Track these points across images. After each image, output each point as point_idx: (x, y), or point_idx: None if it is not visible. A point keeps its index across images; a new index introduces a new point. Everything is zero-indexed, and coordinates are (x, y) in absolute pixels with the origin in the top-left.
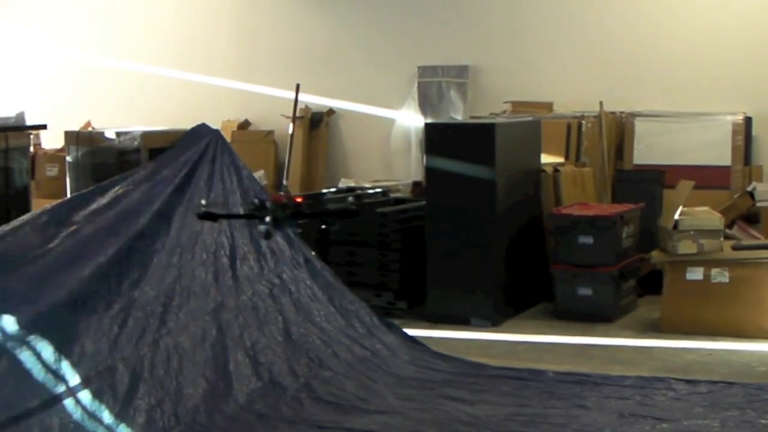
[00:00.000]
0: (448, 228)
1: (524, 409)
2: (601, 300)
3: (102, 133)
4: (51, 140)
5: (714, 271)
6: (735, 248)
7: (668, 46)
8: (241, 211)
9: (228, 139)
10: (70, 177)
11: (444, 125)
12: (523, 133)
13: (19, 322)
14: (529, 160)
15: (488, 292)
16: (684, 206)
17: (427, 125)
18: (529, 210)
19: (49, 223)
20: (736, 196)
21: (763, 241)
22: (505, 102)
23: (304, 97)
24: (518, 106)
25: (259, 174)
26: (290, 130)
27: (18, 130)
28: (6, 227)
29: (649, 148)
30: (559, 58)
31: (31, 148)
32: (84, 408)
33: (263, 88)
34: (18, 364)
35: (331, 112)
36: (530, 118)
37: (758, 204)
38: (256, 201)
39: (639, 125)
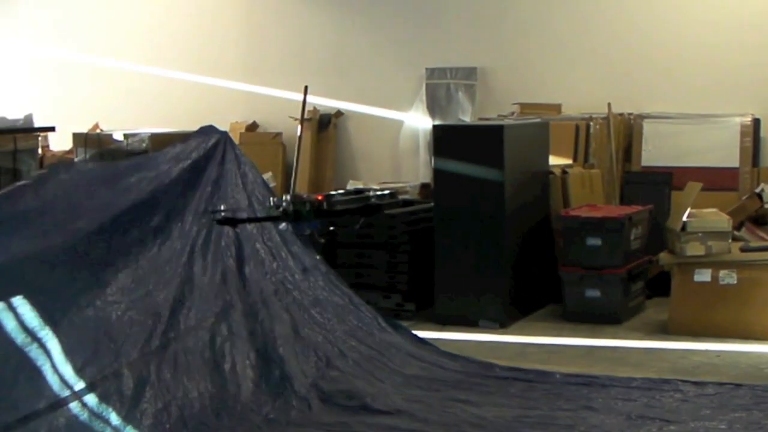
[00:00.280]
0: (457, 230)
1: (532, 410)
2: (609, 302)
3: (110, 135)
4: (59, 142)
5: (722, 273)
6: (743, 250)
7: (676, 48)
8: (259, 214)
9: (236, 140)
10: None
11: (452, 127)
12: (531, 134)
13: (24, 324)
14: (537, 162)
15: (496, 294)
16: (692, 208)
17: (435, 127)
18: (538, 212)
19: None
20: (744, 197)
21: None
22: (514, 104)
23: (312, 99)
24: (526, 107)
25: (266, 176)
26: (298, 132)
27: (26, 132)
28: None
29: (658, 150)
30: (567, 59)
31: (40, 150)
32: (91, 410)
33: (271, 89)
34: (26, 365)
35: (339, 113)
36: (539, 120)
37: (766, 206)
38: (273, 200)
39: (647, 127)
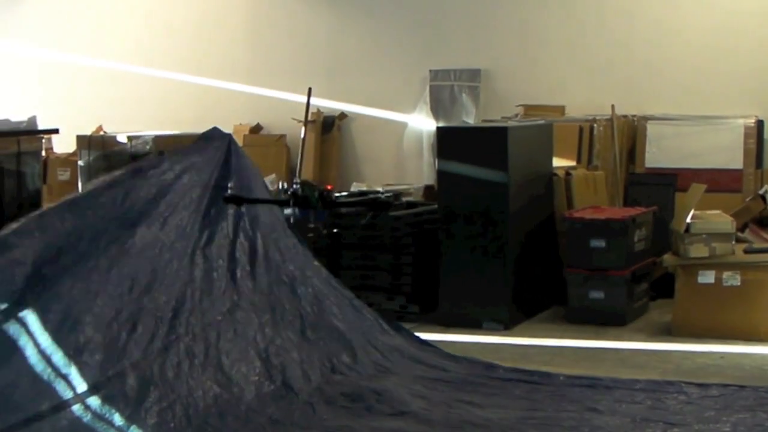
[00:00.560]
0: (461, 231)
1: (536, 412)
2: (613, 303)
3: (114, 137)
4: (63, 144)
5: (726, 275)
6: (747, 251)
7: (680, 50)
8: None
9: (240, 142)
10: (82, 181)
11: (456, 129)
12: (535, 136)
13: (27, 327)
14: (541, 164)
15: (500, 296)
16: (696, 209)
17: (439, 129)
18: (541, 213)
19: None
20: (748, 199)
21: None
22: (518, 105)
23: (316, 101)
24: (530, 109)
25: (270, 178)
26: (302, 134)
27: (30, 134)
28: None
29: (661, 152)
30: (571, 61)
31: (43, 153)
32: (94, 412)
33: (275, 92)
34: (29, 367)
35: (343, 115)
36: (542, 122)
37: None
38: (283, 185)
39: (651, 128)
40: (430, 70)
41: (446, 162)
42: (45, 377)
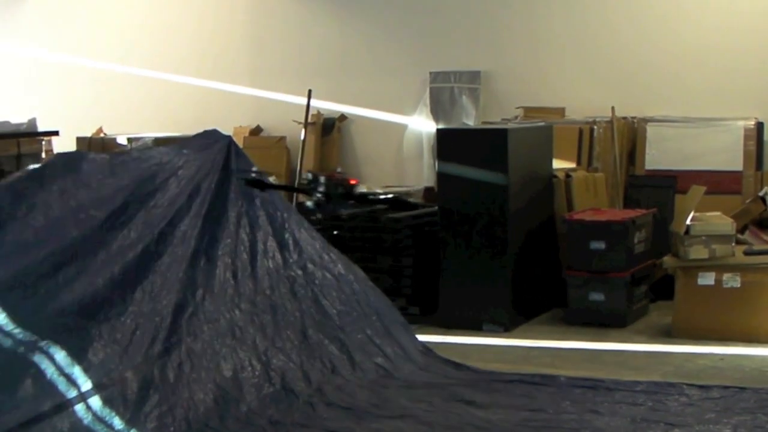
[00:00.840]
0: (461, 233)
1: (537, 414)
2: (613, 305)
3: (114, 139)
4: (63, 146)
5: (726, 276)
6: (747, 253)
7: (680, 52)
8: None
9: (240, 144)
10: None
11: (456, 131)
12: (535, 138)
13: (32, 328)
14: (541, 166)
15: (501, 298)
16: (696, 211)
17: (439, 131)
18: (542, 215)
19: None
20: (747, 201)
21: None
22: (518, 107)
23: (316, 103)
24: (530, 111)
25: (270, 180)
26: (302, 136)
27: (30, 136)
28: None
29: (661, 154)
30: (571, 63)
31: (43, 155)
32: (94, 413)
33: (275, 93)
34: (30, 369)
35: (343, 117)
36: (542, 124)
37: None
38: (309, 176)
39: (651, 130)
40: (430, 72)
41: (446, 164)
42: (45, 378)
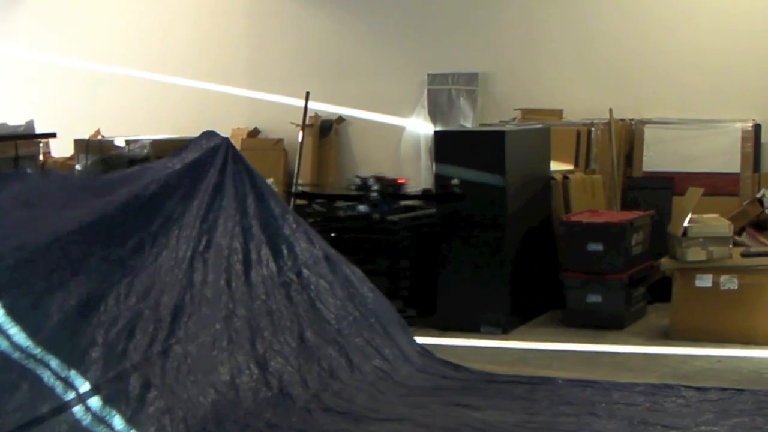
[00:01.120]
0: (458, 235)
1: (534, 416)
2: (610, 307)
3: (111, 142)
4: (60, 148)
5: (723, 278)
6: (744, 255)
7: (678, 54)
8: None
9: (237, 146)
10: None
11: (454, 133)
12: (532, 140)
13: (27, 330)
14: (538, 168)
15: (498, 300)
16: (693, 213)
17: (436, 133)
18: (539, 217)
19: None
20: (745, 203)
21: None
22: (515, 109)
23: (313, 105)
24: (528, 113)
25: (268, 182)
26: (300, 138)
27: (27, 138)
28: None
29: (659, 155)
30: (568, 65)
31: (41, 157)
32: (94, 414)
33: (273, 96)
34: (28, 371)
35: (340, 119)
36: (540, 126)
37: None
38: (357, 180)
39: (648, 132)
40: (428, 74)
41: (444, 166)
42: (44, 380)
